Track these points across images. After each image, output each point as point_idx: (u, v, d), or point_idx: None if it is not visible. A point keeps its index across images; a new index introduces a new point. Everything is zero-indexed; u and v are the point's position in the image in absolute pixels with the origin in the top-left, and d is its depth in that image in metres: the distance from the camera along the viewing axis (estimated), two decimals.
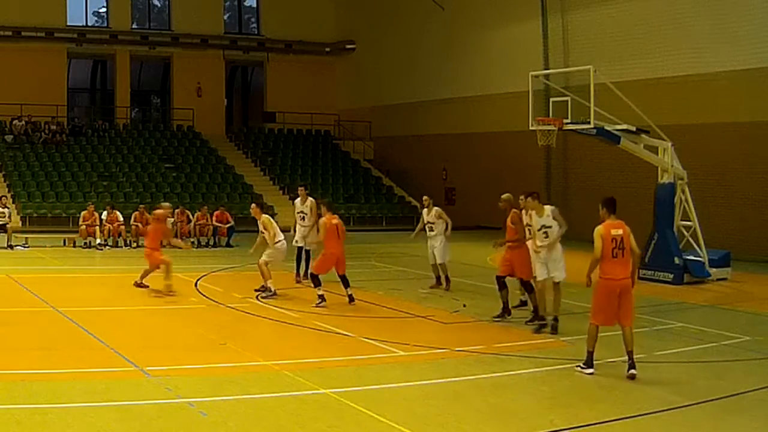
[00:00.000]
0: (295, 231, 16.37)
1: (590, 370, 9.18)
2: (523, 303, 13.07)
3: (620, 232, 9.21)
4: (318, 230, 14.50)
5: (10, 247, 21.88)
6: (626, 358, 9.13)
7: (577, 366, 9.31)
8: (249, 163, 36.13)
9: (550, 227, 11.67)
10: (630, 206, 24.30)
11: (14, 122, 33.48)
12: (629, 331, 9.14)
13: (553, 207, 11.97)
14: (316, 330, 11.58)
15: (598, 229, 9.25)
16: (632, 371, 9.04)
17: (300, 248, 16.26)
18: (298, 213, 16.38)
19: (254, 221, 15.11)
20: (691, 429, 7.61)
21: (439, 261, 15.42)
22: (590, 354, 9.22)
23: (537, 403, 8.25)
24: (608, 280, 9.11)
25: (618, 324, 9.22)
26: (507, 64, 29.94)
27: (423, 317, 12.92)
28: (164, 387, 8.22)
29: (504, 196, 12.91)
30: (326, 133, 39.89)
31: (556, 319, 11.59)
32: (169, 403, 7.76)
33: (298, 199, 16.59)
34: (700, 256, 17.69)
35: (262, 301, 13.79)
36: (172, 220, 23.77)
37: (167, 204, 18.07)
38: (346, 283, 13.74)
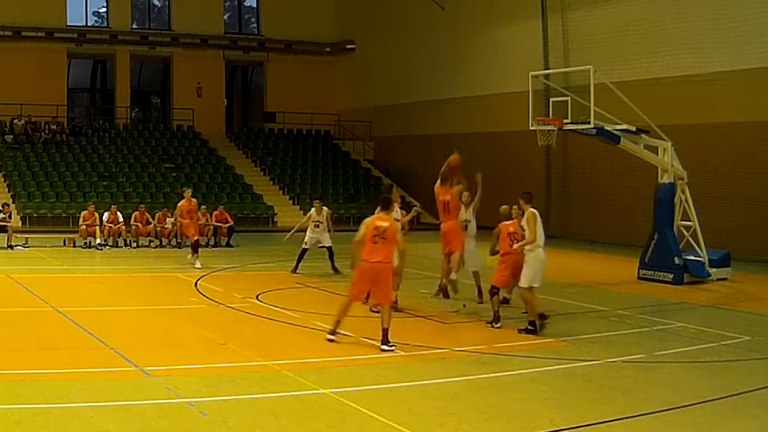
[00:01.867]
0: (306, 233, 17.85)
1: (332, 337, 10.37)
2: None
3: (386, 224, 10.45)
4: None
5: (10, 247, 21.89)
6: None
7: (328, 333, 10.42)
8: (249, 163, 36.13)
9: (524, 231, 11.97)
10: (630, 206, 24.66)
11: (14, 122, 33.49)
12: (386, 311, 10.26)
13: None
14: (316, 330, 11.57)
15: (366, 220, 10.63)
16: (383, 347, 9.99)
17: (305, 250, 17.61)
18: (313, 222, 17.79)
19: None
20: (691, 429, 7.60)
21: (472, 269, 14.15)
22: (337, 323, 10.41)
23: (537, 403, 8.24)
24: (365, 262, 10.34)
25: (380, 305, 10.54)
26: (507, 64, 29.91)
27: (423, 317, 12.93)
28: (164, 387, 8.22)
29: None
30: (326, 133, 39.88)
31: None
32: (169, 403, 7.76)
33: (314, 210, 17.97)
34: (700, 256, 17.67)
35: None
36: (172, 219, 23.78)
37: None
38: None
